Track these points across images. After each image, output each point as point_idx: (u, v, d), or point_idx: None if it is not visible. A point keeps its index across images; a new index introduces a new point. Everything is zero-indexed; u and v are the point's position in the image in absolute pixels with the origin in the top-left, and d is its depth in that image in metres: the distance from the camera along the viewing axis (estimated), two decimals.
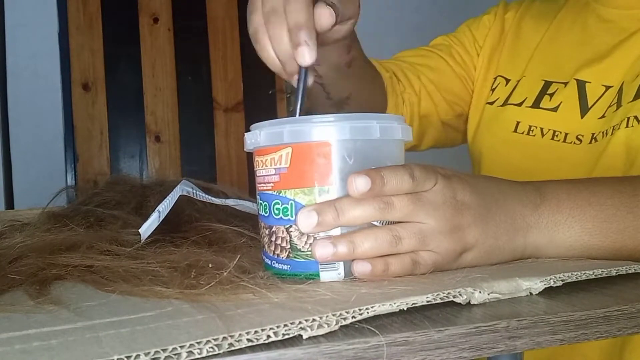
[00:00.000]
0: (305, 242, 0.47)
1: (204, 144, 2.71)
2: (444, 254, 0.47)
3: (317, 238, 0.46)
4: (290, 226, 0.48)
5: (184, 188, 0.68)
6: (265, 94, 2.77)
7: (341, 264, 0.47)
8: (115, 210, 0.72)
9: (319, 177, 0.47)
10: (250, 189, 2.83)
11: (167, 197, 0.63)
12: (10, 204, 2.37)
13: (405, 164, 0.49)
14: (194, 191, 0.69)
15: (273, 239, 0.49)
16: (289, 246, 0.48)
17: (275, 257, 0.49)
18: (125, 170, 2.61)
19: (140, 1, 2.65)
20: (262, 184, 0.50)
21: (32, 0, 2.44)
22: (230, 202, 0.71)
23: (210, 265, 0.48)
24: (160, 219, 0.60)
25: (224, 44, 2.74)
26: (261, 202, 0.50)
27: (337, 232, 0.46)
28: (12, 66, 2.41)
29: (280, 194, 0.48)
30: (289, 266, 0.48)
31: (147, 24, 2.66)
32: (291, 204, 0.47)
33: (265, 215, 0.50)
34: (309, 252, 0.47)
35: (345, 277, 0.47)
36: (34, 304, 0.44)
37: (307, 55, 0.55)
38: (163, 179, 0.85)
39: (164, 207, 0.62)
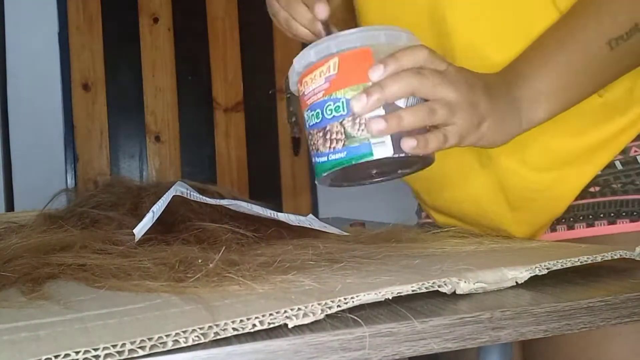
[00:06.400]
0: (358, 129, 0.54)
1: (204, 144, 2.72)
2: (466, 125, 0.55)
3: (368, 119, 0.53)
4: (344, 119, 0.54)
5: (178, 189, 0.68)
6: (265, 94, 2.77)
7: (389, 141, 0.53)
8: (110, 212, 0.73)
9: (363, 76, 0.54)
10: (250, 189, 2.84)
11: (162, 198, 0.64)
12: (10, 204, 2.37)
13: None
14: (189, 192, 0.69)
15: (328, 136, 0.55)
16: (344, 136, 0.54)
17: (332, 150, 0.55)
18: (125, 170, 2.61)
19: (140, 1, 2.66)
20: (313, 97, 0.57)
21: (32, 0, 2.44)
22: (224, 202, 0.71)
23: (200, 261, 0.48)
24: (154, 219, 0.61)
25: (224, 44, 2.75)
26: (312, 112, 0.57)
27: (382, 112, 0.53)
28: (12, 66, 2.42)
29: (332, 96, 0.55)
30: (345, 153, 0.54)
31: (147, 24, 2.67)
32: (342, 101, 0.54)
33: (318, 121, 0.56)
34: (363, 136, 0.53)
35: (394, 152, 0.53)
36: (26, 300, 0.44)
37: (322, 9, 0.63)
38: (159, 180, 0.86)
39: (158, 207, 0.62)
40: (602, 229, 0.71)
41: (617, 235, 0.70)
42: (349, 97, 0.54)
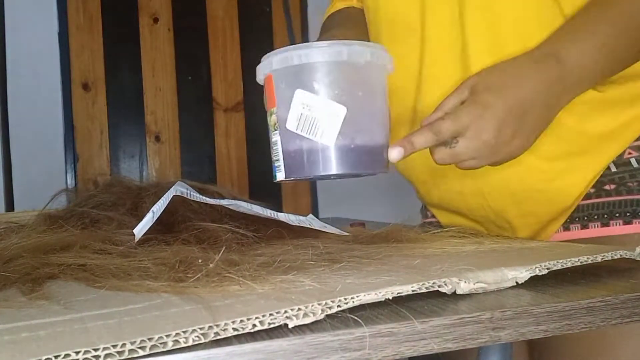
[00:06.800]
0: (274, 152, 0.59)
1: (203, 144, 2.72)
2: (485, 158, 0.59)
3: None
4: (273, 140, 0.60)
5: (178, 189, 0.68)
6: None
7: (283, 167, 0.58)
8: (110, 212, 0.73)
9: (271, 101, 0.59)
10: (250, 189, 2.83)
11: (162, 198, 0.64)
12: (10, 204, 2.37)
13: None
14: (189, 192, 0.69)
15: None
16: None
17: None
18: (125, 170, 2.61)
19: (140, 1, 2.65)
20: None
21: (32, 0, 2.44)
22: (224, 202, 0.71)
23: (200, 261, 0.48)
24: (154, 219, 0.61)
25: (224, 44, 2.75)
26: None
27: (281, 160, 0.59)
28: (12, 66, 2.41)
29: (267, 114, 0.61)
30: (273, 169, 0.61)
31: (147, 24, 2.66)
32: (268, 123, 0.60)
33: None
34: (272, 158, 0.60)
35: (285, 176, 0.59)
36: (26, 300, 0.44)
37: None
38: (159, 180, 0.86)
39: (158, 207, 0.62)
40: (617, 228, 0.70)
41: (633, 235, 0.69)
42: (268, 121, 0.60)
